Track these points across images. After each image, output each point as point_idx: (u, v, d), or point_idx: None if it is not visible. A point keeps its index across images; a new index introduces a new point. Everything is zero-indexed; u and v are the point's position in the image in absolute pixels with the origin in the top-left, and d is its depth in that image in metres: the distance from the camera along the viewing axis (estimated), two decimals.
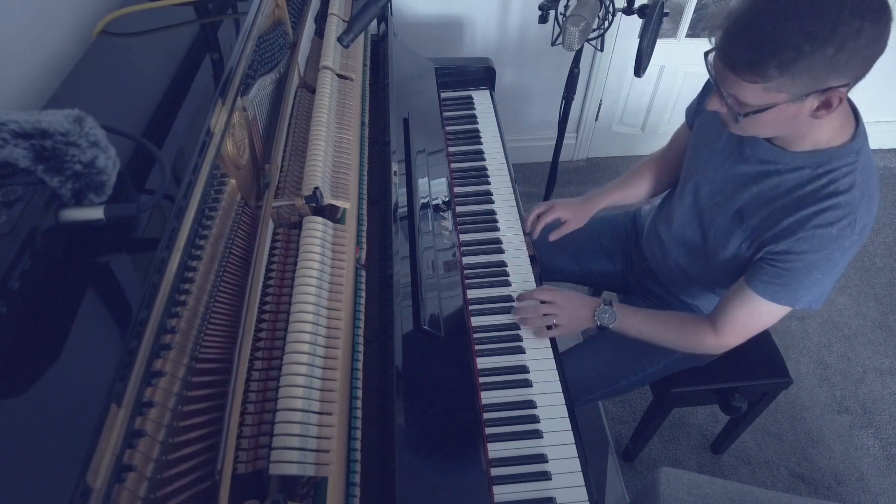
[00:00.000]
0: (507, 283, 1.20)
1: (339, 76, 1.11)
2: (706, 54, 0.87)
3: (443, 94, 1.63)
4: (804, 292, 0.94)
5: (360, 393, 0.73)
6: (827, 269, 0.91)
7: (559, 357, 1.09)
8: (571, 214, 1.31)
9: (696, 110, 1.19)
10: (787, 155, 0.94)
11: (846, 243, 0.89)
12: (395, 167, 1.10)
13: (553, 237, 1.31)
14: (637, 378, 1.28)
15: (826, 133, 0.90)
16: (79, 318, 0.52)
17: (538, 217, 1.31)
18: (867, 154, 0.92)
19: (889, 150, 2.77)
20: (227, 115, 0.75)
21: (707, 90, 1.16)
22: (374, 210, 1.04)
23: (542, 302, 1.13)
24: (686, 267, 1.21)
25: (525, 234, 1.30)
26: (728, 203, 1.04)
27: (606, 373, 1.28)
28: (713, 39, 0.84)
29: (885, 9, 0.75)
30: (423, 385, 0.89)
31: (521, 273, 1.22)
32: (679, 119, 2.50)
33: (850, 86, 0.80)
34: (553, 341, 1.12)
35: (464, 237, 1.28)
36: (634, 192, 1.34)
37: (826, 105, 0.81)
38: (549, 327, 1.12)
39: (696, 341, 1.09)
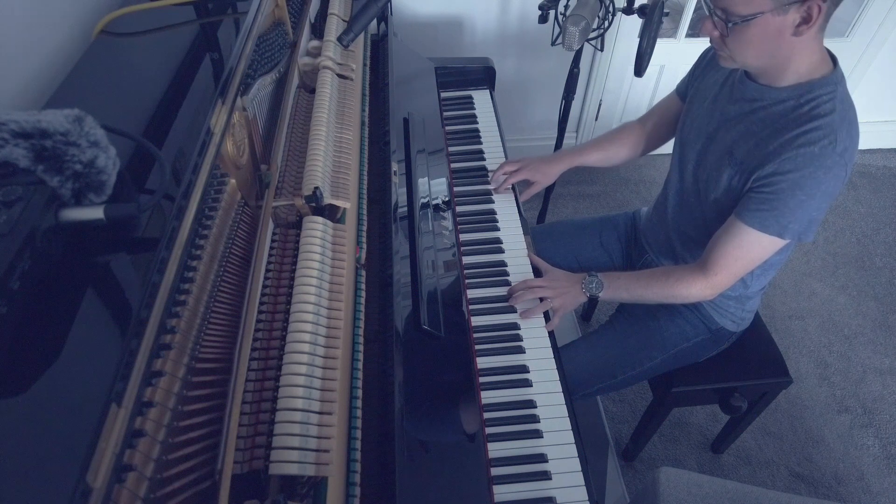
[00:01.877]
0: (507, 283, 1.20)
1: (339, 76, 1.12)
2: None
3: (443, 94, 1.63)
4: (790, 217, 0.98)
5: (360, 393, 0.73)
6: (811, 189, 0.96)
7: (559, 356, 1.09)
8: (539, 176, 1.39)
9: (689, 81, 1.26)
10: (773, 91, 1.02)
11: (828, 162, 0.94)
12: (394, 167, 1.10)
13: (523, 198, 1.39)
14: (634, 373, 1.29)
15: (806, 65, 0.98)
16: (79, 318, 0.52)
17: (506, 176, 1.37)
18: (845, 89, 1.00)
19: (889, 150, 2.77)
20: (227, 115, 0.76)
21: (697, 66, 1.23)
22: (374, 210, 1.04)
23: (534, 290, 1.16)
24: (682, 224, 1.24)
25: (525, 234, 1.30)
26: (718, 145, 1.10)
27: (604, 367, 1.29)
28: None
29: None
30: (423, 384, 0.89)
31: (521, 273, 1.22)
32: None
33: (829, 1, 0.87)
34: (552, 338, 1.12)
35: (464, 237, 1.28)
36: (606, 155, 1.40)
37: (807, 20, 0.88)
38: (545, 313, 1.15)
39: (684, 286, 1.11)
